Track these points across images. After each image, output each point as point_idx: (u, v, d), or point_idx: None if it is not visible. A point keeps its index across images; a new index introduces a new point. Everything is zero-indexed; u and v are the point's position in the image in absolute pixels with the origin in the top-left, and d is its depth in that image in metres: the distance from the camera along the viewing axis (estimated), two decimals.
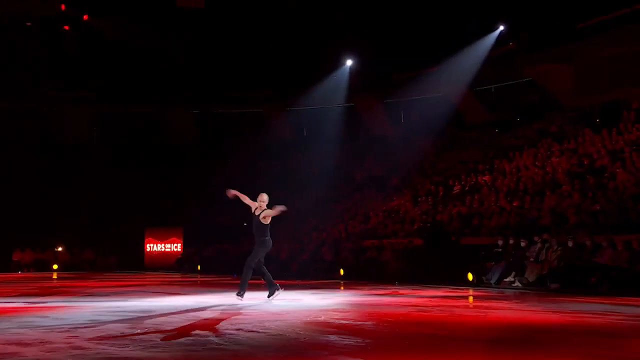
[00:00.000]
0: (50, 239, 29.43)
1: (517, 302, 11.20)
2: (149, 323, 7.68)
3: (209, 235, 28.01)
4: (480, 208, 20.30)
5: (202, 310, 9.37)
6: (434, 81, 30.41)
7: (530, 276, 14.44)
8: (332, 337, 6.52)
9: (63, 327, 7.22)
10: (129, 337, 6.47)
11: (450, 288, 14.47)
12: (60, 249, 29.94)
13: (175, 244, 30.69)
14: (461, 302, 11.24)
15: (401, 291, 13.63)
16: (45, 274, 25.28)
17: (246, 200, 11.09)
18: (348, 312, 9.20)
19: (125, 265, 28.78)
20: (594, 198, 17.03)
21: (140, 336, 6.55)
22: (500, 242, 16.01)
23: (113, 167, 31.18)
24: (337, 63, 33.42)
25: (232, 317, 8.28)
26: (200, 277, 22.67)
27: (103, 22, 28.14)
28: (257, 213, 10.88)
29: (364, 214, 25.36)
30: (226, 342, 6.18)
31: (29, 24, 26.98)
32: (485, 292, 13.64)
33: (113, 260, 29.60)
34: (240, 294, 10.54)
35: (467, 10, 28.06)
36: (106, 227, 29.75)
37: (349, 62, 33.40)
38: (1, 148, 30.74)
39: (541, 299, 11.63)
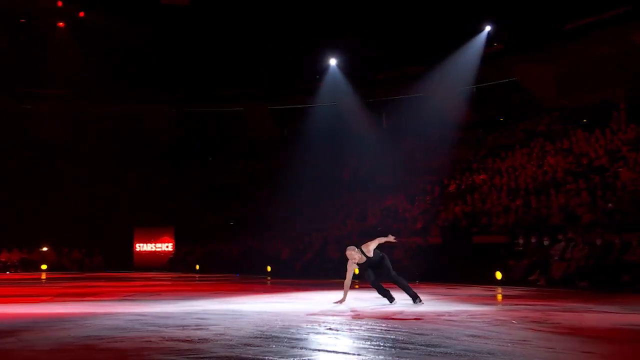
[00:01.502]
0: (37, 239, 28.27)
1: (571, 302, 10.70)
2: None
3: (201, 234, 27.28)
4: (484, 207, 20.10)
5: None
6: (420, 81, 30.15)
7: (556, 274, 14.21)
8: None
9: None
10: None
11: (479, 287, 14.19)
12: (45, 249, 28.80)
13: (166, 244, 29.84)
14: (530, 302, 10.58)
15: (437, 290, 13.24)
16: (34, 275, 24.25)
17: (349, 275, 10.36)
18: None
19: (113, 266, 27.82)
20: (604, 197, 16.96)
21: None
22: (521, 241, 15.74)
23: (97, 166, 30.08)
24: (322, 62, 32.95)
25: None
26: (200, 277, 22.04)
27: (93, 19, 27.07)
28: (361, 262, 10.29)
29: (359, 213, 24.96)
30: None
31: (23, 20, 25.84)
32: (516, 290, 13.34)
33: (101, 260, 28.60)
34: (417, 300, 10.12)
35: (453, 11, 28.02)
36: (94, 227, 28.73)
37: (333, 62, 32.93)
38: None
39: (597, 298, 11.18)
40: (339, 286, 14.53)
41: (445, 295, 12.06)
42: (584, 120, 24.89)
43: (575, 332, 6.57)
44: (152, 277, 21.95)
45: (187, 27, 31.23)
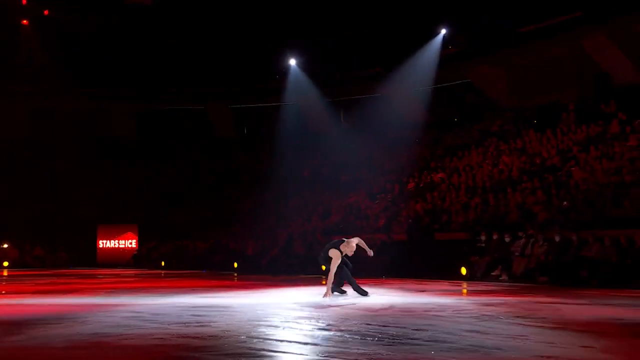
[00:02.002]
0: None
1: (540, 296, 11.07)
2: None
3: (165, 231, 27.13)
4: (444, 205, 20.57)
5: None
6: (378, 82, 30.55)
7: (518, 270, 14.72)
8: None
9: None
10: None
11: (446, 282, 14.59)
12: (6, 245, 28.18)
13: (130, 240, 29.53)
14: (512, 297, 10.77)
15: (407, 286, 13.57)
16: None
17: (333, 270, 10.40)
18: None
19: (77, 262, 27.43)
20: (558, 195, 17.59)
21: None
22: (483, 237, 16.21)
23: (59, 162, 29.60)
24: (283, 62, 33.07)
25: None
26: (166, 273, 21.92)
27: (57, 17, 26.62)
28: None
29: (323, 210, 25.20)
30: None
31: None
32: (481, 285, 13.74)
33: (64, 257, 28.09)
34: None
35: (409, 14, 28.51)
36: (56, 224, 28.25)
37: (293, 62, 33.08)
38: None
39: (560, 292, 11.62)
40: (306, 282, 14.87)
41: (418, 290, 12.33)
42: (535, 121, 25.68)
43: (565, 326, 6.76)
44: (120, 273, 21.72)
45: (150, 25, 31.01)
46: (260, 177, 29.24)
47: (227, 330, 6.57)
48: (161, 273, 22.21)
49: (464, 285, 14.06)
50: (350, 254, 10.60)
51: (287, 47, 32.22)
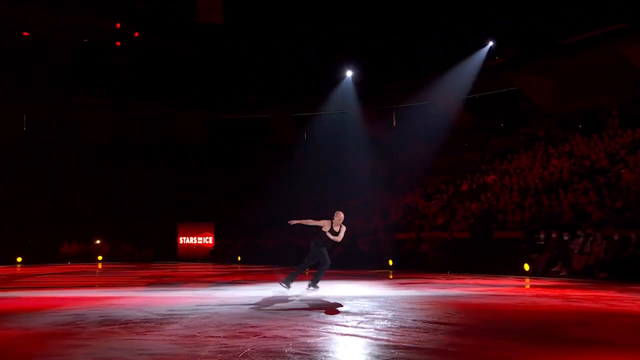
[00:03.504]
0: (92, 233, 28.62)
1: (600, 291, 11.08)
2: None
3: (238, 229, 27.62)
4: (498, 205, 20.45)
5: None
6: (427, 90, 30.50)
7: (578, 267, 14.60)
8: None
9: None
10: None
11: (509, 278, 14.59)
12: (99, 241, 29.13)
13: (207, 237, 30.23)
14: (574, 292, 10.72)
15: (471, 280, 13.62)
16: (91, 265, 24.64)
17: (311, 222, 10.84)
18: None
19: (160, 257, 28.24)
20: (610, 196, 17.33)
21: None
22: (542, 236, 16.10)
23: (141, 167, 30.51)
24: (340, 73, 33.35)
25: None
26: (241, 268, 22.31)
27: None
28: (336, 229, 10.69)
29: (382, 210, 25.29)
30: None
31: (86, 40, 26.21)
32: (543, 281, 13.70)
33: (149, 252, 28.93)
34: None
35: (461, 26, 28.46)
36: (142, 222, 29.08)
37: (350, 73, 33.31)
38: (50, 149, 29.75)
39: (615, 288, 11.60)
40: (372, 277, 15.02)
41: (497, 286, 12.35)
42: (580, 126, 25.33)
43: None
44: (214, 267, 22.35)
45: (220, 40, 31.62)
46: (320, 179, 29.47)
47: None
48: (237, 267, 22.59)
49: (527, 280, 14.02)
50: (336, 227, 10.63)
51: (343, 57, 32.51)
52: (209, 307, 8.44)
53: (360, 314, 7.65)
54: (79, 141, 31.10)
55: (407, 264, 18.79)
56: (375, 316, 7.42)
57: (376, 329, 6.32)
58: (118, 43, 26.91)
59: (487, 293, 10.75)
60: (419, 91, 30.77)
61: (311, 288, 10.96)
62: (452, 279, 14.40)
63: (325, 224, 10.75)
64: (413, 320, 7.09)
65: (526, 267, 15.15)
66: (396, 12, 29.57)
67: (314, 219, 10.93)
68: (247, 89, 34.50)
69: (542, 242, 15.99)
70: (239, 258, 25.57)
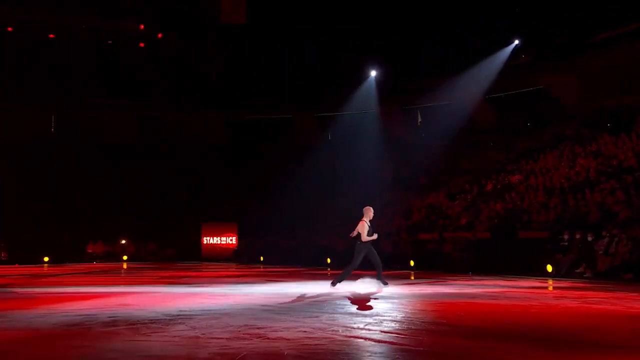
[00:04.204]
0: (117, 233, 28.91)
1: (623, 293, 10.70)
2: None
3: (261, 229, 27.59)
4: (523, 205, 20.05)
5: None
6: (449, 89, 30.14)
7: (602, 267, 14.20)
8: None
9: None
10: None
11: (531, 279, 14.26)
12: (124, 241, 29.41)
13: (230, 237, 30.30)
14: (595, 294, 10.37)
15: (491, 281, 13.34)
16: (117, 265, 24.92)
17: (356, 232, 11.50)
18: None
19: (184, 257, 28.38)
20: (638, 195, 16.85)
21: None
22: (566, 236, 15.71)
23: (162, 168, 30.78)
24: (363, 73, 33.20)
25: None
26: (264, 268, 22.23)
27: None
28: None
29: (404, 210, 25.03)
30: None
31: (110, 42, 26.55)
32: (566, 282, 13.35)
33: (172, 252, 29.08)
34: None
35: (485, 24, 28.18)
36: (166, 223, 29.28)
37: (373, 73, 33.15)
38: (66, 151, 30.14)
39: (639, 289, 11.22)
40: (394, 279, 14.80)
41: (516, 287, 12.05)
42: (609, 125, 24.74)
43: None
44: (237, 267, 22.39)
45: (243, 40, 31.70)
46: (342, 180, 29.34)
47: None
48: (260, 267, 22.53)
49: (550, 282, 13.69)
50: (369, 218, 11.45)
51: (367, 58, 32.38)
52: (220, 307, 8.37)
53: (370, 315, 7.51)
54: (103, 142, 31.50)
55: (430, 265, 18.53)
56: (384, 317, 7.25)
57: (382, 331, 6.14)
58: (142, 44, 27.09)
59: (504, 294, 10.50)
60: (442, 90, 30.45)
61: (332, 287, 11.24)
62: (472, 279, 14.13)
63: (366, 226, 11.29)
64: (422, 322, 6.91)
65: (549, 268, 14.78)
66: (419, 12, 29.47)
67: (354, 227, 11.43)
68: (270, 89, 34.55)
69: (566, 243, 15.59)
70: (262, 258, 25.54)
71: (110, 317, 7.29)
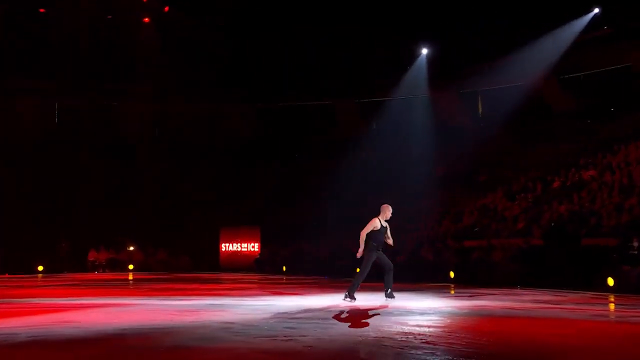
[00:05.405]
0: (123, 239, 29.23)
1: None
2: None
3: (284, 235, 27.39)
4: (593, 206, 19.12)
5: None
6: (513, 69, 29.20)
7: None
8: None
9: None
10: None
11: (586, 294, 13.51)
12: (132, 248, 29.72)
13: (252, 244, 30.16)
14: None
15: (536, 297, 12.67)
16: (122, 275, 25.13)
17: (364, 234, 11.61)
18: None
19: (200, 266, 28.36)
20: None
21: None
22: (636, 244, 14.82)
23: (177, 164, 30.95)
24: (413, 53, 32.57)
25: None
26: (286, 278, 21.96)
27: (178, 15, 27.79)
28: (384, 225, 11.61)
29: (455, 212, 24.37)
30: None
31: (110, 17, 26.87)
32: (628, 299, 12.53)
33: (187, 260, 29.13)
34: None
35: None
36: (179, 228, 29.43)
37: (425, 51, 32.47)
38: (71, 149, 30.69)
39: None
40: (433, 291, 14.28)
41: (560, 304, 11.41)
42: None
43: None
44: (259, 277, 22.21)
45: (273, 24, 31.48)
46: (389, 176, 28.84)
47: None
48: (283, 278, 22.24)
49: (611, 298, 12.88)
50: (386, 217, 11.52)
51: (416, 40, 31.79)
52: (173, 325, 8.09)
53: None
54: (115, 138, 31.95)
55: (474, 277, 17.86)
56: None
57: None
58: (147, 19, 27.24)
59: (540, 312, 9.94)
60: (507, 69, 29.54)
61: (347, 299, 11.20)
62: (518, 294, 13.51)
63: (374, 223, 11.42)
64: (424, 342, 6.57)
65: (610, 281, 13.94)
66: None
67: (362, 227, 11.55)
68: (306, 77, 34.15)
69: (636, 252, 14.70)
70: (284, 268, 25.34)
71: (29, 336, 7.11)
